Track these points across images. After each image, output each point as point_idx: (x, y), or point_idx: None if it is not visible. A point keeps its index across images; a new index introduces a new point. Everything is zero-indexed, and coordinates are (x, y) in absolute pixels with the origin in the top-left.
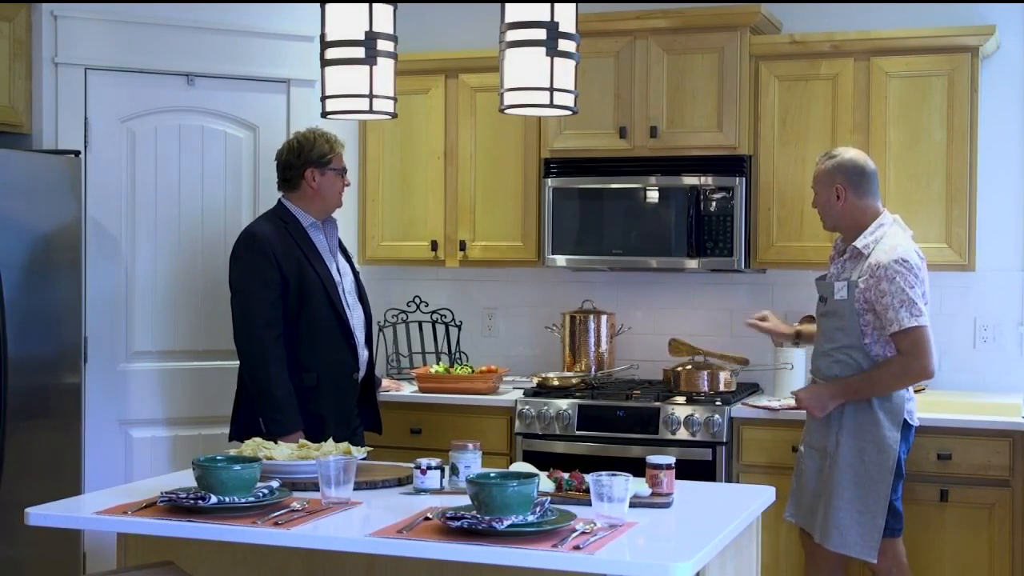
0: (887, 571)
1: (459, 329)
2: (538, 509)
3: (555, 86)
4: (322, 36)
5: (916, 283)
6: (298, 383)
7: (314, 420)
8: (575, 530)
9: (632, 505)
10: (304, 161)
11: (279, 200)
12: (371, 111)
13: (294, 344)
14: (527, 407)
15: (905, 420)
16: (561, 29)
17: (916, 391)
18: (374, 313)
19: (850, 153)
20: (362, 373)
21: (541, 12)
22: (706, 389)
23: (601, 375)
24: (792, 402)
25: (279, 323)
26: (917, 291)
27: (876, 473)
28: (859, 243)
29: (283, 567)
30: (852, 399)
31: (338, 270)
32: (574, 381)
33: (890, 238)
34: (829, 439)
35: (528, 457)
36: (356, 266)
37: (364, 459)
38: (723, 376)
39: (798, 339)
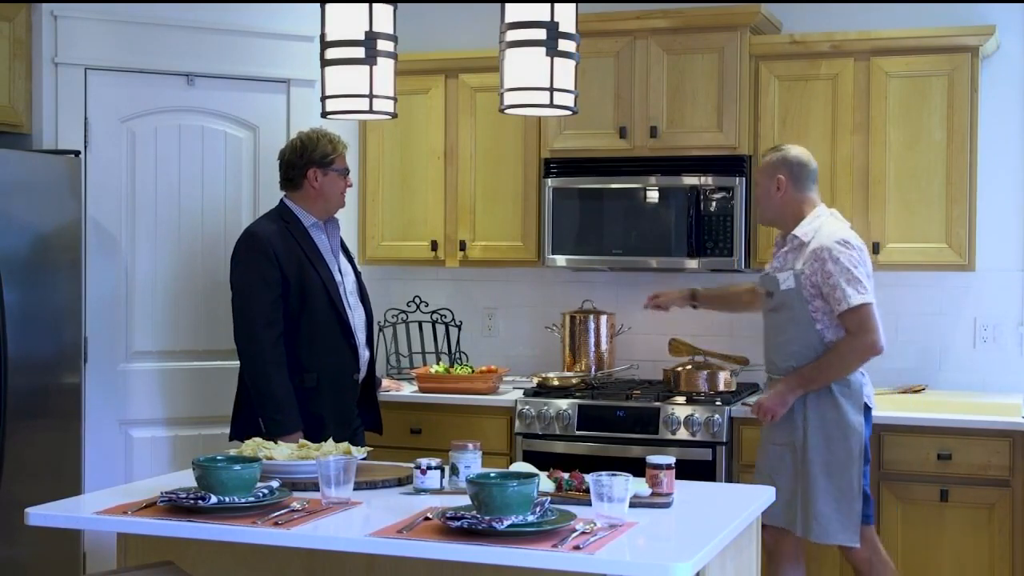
0: (867, 561)
1: (459, 329)
2: (538, 509)
3: (555, 86)
4: (322, 36)
5: (860, 263)
6: (299, 384)
7: (314, 421)
8: (575, 530)
9: (632, 505)
10: (307, 161)
11: (281, 200)
12: (371, 111)
13: (295, 344)
14: (527, 407)
15: (865, 404)
16: (561, 29)
17: (916, 391)
18: (374, 313)
19: (795, 150)
20: (363, 374)
21: (541, 12)
22: (706, 389)
23: (601, 375)
24: None
25: (279, 323)
26: (862, 270)
27: (845, 459)
28: (799, 231)
29: (283, 567)
30: (810, 388)
31: (340, 270)
32: (574, 381)
33: (829, 226)
34: (796, 434)
35: (528, 457)
36: (357, 266)
37: (364, 459)
38: (723, 376)
39: (694, 300)
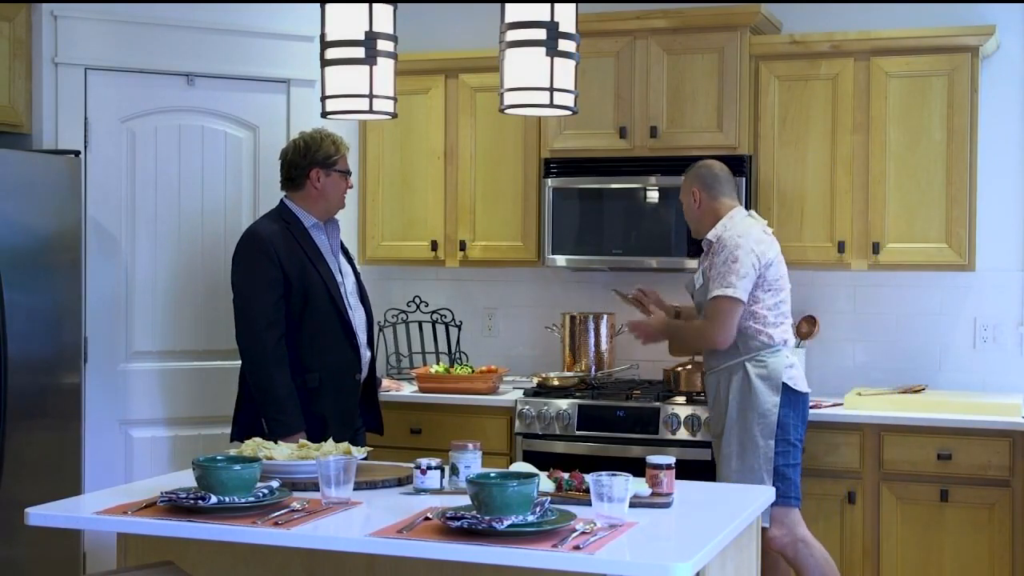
0: (790, 546)
1: (459, 329)
2: (538, 509)
3: (555, 86)
4: (322, 36)
5: (741, 258)
6: (301, 384)
7: (317, 421)
8: (575, 530)
9: (632, 505)
10: (310, 162)
11: (281, 200)
12: (371, 111)
13: (297, 345)
14: (527, 407)
15: (787, 385)
16: (561, 29)
17: (916, 391)
18: (374, 313)
19: (706, 163)
20: (364, 374)
21: (541, 12)
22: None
23: (601, 375)
24: None
25: (281, 324)
26: (736, 267)
27: (760, 438)
28: (711, 235)
29: (283, 567)
30: (669, 340)
31: (340, 271)
32: (574, 381)
33: (736, 226)
34: (722, 420)
35: (528, 457)
36: (357, 267)
37: (364, 459)
38: None
39: (678, 318)
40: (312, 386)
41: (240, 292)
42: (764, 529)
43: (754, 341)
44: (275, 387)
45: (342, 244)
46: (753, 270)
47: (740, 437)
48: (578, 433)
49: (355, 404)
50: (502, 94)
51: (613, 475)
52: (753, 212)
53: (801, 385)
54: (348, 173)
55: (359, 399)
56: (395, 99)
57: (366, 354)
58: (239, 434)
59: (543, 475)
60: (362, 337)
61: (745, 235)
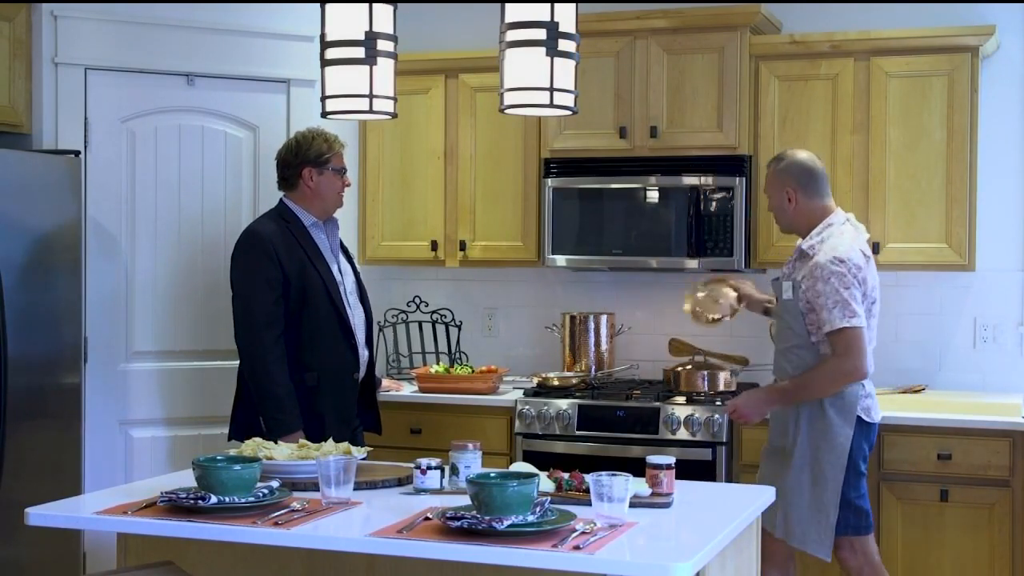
0: (859, 570)
1: (459, 329)
2: (538, 509)
3: (555, 86)
4: (322, 36)
5: (852, 283)
6: (299, 383)
7: (315, 420)
8: (575, 530)
9: (632, 505)
10: (301, 160)
11: (280, 199)
12: (371, 111)
13: (295, 344)
14: (527, 407)
15: (860, 417)
16: (561, 29)
17: (916, 391)
18: (374, 313)
19: (800, 155)
20: (363, 373)
21: (541, 12)
22: (706, 389)
23: (601, 375)
24: None
25: (280, 322)
26: (853, 292)
27: (829, 471)
28: (804, 244)
29: (283, 567)
30: (788, 403)
31: (339, 270)
32: (574, 381)
33: (835, 238)
34: (787, 439)
35: (528, 457)
36: (357, 266)
37: (364, 459)
38: (723, 376)
39: (767, 313)
40: (310, 385)
41: (239, 291)
42: (836, 548)
43: None
44: (274, 386)
45: (342, 244)
46: (860, 291)
47: (812, 468)
48: (578, 433)
49: (353, 403)
50: (502, 94)
51: (613, 475)
52: (851, 217)
53: (875, 415)
54: (343, 171)
55: (357, 399)
56: (395, 99)
57: (364, 354)
58: (237, 433)
59: (543, 475)
60: (360, 337)
61: (847, 259)
